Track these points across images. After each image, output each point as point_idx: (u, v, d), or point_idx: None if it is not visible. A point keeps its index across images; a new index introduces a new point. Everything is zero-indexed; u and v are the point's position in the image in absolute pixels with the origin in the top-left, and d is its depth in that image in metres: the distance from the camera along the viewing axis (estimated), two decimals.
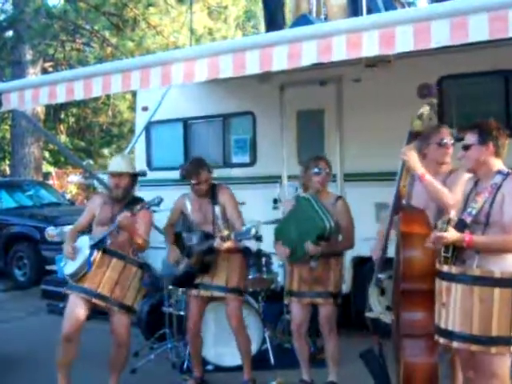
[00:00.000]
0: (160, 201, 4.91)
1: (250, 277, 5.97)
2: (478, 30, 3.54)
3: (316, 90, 7.01)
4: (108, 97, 19.95)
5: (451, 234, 3.40)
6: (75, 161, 11.37)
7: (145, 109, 8.48)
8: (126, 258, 4.95)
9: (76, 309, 4.81)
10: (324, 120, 7.05)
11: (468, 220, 3.47)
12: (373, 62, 6.34)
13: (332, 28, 4.19)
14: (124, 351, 4.98)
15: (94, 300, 4.83)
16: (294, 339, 5.19)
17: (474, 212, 3.47)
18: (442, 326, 3.50)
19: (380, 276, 4.16)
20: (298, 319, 5.10)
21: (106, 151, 25.30)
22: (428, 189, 4.02)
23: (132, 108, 19.21)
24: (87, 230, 5.22)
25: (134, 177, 5.12)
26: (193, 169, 5.17)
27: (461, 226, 3.45)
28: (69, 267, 4.92)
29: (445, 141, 4.26)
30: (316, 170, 4.99)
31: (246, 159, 7.72)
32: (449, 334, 3.47)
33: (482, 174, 3.64)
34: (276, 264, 6.37)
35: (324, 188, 5.06)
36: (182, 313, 6.04)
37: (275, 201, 7.06)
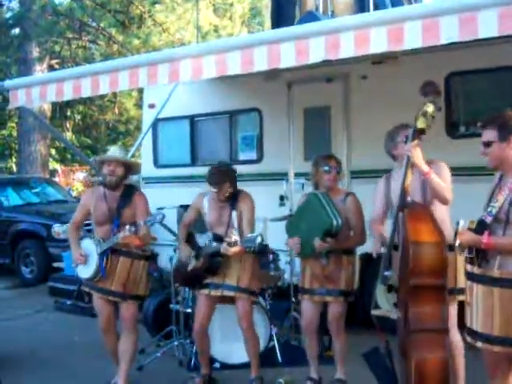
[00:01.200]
0: (162, 218, 5.00)
1: None
2: (488, 26, 3.51)
3: (323, 87, 7.00)
4: (114, 94, 19.94)
5: (465, 239, 3.41)
6: (82, 158, 11.36)
7: (151, 106, 8.49)
8: (131, 254, 5.09)
9: (102, 306, 5.18)
10: (331, 117, 7.04)
11: (488, 220, 3.43)
12: (380, 59, 6.34)
13: (339, 24, 4.18)
14: (133, 338, 5.19)
15: (110, 298, 5.12)
16: (304, 336, 5.19)
17: (493, 211, 3.42)
18: (468, 324, 3.53)
19: (386, 273, 4.15)
20: (308, 316, 5.08)
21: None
22: (432, 185, 4.09)
23: (138, 105, 19.22)
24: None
25: (127, 169, 5.16)
26: (217, 180, 5.06)
27: (481, 226, 3.42)
28: (83, 271, 5.16)
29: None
30: (326, 168, 4.99)
31: (253, 156, 7.71)
32: (474, 334, 3.49)
33: (506, 170, 3.56)
34: (283, 261, 6.37)
35: (335, 186, 5.06)
36: (189, 310, 6.04)
37: (281, 197, 7.05)
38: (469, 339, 3.55)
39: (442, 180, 4.16)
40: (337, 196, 4.99)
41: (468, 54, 5.89)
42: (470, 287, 3.48)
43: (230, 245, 4.71)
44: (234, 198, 5.14)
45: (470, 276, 3.49)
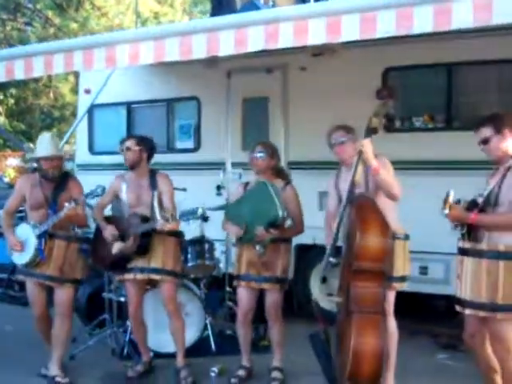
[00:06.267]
0: (103, 190, 5.15)
1: (192, 264, 5.95)
2: (423, 21, 3.58)
3: (262, 77, 7.00)
4: (49, 78, 19.51)
5: (455, 214, 3.79)
6: (15, 143, 11.09)
7: (87, 91, 8.31)
8: (67, 237, 5.18)
9: (36, 293, 5.18)
10: (269, 108, 7.05)
11: (479, 200, 3.82)
12: (319, 51, 6.39)
13: (279, 14, 4.17)
14: (68, 324, 5.20)
15: (47, 283, 5.13)
16: (239, 325, 5.17)
17: (485, 193, 3.81)
18: (457, 295, 3.91)
19: (332, 259, 4.34)
20: (245, 305, 5.09)
21: None
22: (381, 181, 4.25)
23: (74, 91, 18.85)
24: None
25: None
26: (128, 138, 5.32)
27: (472, 205, 3.81)
28: (20, 257, 5.12)
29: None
30: (254, 154, 5.07)
31: (190, 145, 7.66)
32: (462, 302, 3.86)
33: (500, 161, 3.89)
34: (219, 250, 6.36)
35: (266, 172, 5.08)
36: (122, 299, 5.96)
37: (218, 187, 7.03)
38: (458, 308, 3.91)
39: (388, 175, 4.30)
40: (274, 184, 5.01)
41: (405, 49, 5.99)
42: (461, 260, 3.85)
43: (167, 220, 4.68)
44: (152, 178, 5.16)
45: (461, 250, 3.86)
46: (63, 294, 5.13)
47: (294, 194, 5.08)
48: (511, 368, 3.81)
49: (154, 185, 5.11)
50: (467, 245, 3.81)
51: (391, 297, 4.45)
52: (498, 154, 3.87)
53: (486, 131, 3.87)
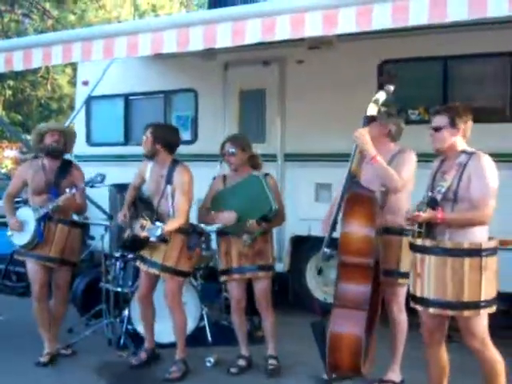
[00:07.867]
0: (103, 178, 5.23)
1: None
2: (418, 14, 3.62)
3: (259, 69, 7.02)
4: (47, 70, 19.47)
5: (427, 214, 3.68)
6: (13, 134, 11.07)
7: (85, 83, 8.34)
8: (69, 222, 5.43)
9: (36, 274, 5.34)
10: (266, 100, 7.07)
11: (438, 198, 3.73)
12: (316, 44, 6.42)
13: (276, 7, 4.21)
14: (64, 304, 5.59)
15: (47, 264, 5.32)
16: (234, 315, 5.23)
17: (443, 190, 3.73)
18: (418, 294, 3.81)
19: (326, 250, 4.26)
20: (237, 295, 5.16)
21: None
22: (378, 171, 4.21)
23: (72, 83, 18.84)
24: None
25: (65, 140, 5.47)
26: (148, 126, 5.15)
27: (433, 203, 3.71)
28: (20, 238, 5.33)
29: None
30: (225, 152, 5.11)
31: (187, 137, 7.66)
32: (425, 301, 3.79)
33: (450, 154, 3.87)
34: (215, 241, 6.38)
35: (238, 167, 5.10)
36: (119, 289, 6.00)
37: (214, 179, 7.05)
38: (418, 307, 3.85)
39: (398, 168, 4.26)
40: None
41: (401, 42, 6.01)
42: (422, 259, 3.76)
43: (143, 228, 4.64)
44: (170, 171, 5.02)
45: (422, 249, 3.76)
46: (62, 277, 5.43)
47: (274, 184, 5.14)
48: (489, 358, 3.81)
49: (169, 178, 4.98)
50: (428, 243, 3.74)
51: (401, 292, 4.53)
52: (444, 146, 3.85)
53: (441, 120, 3.84)
